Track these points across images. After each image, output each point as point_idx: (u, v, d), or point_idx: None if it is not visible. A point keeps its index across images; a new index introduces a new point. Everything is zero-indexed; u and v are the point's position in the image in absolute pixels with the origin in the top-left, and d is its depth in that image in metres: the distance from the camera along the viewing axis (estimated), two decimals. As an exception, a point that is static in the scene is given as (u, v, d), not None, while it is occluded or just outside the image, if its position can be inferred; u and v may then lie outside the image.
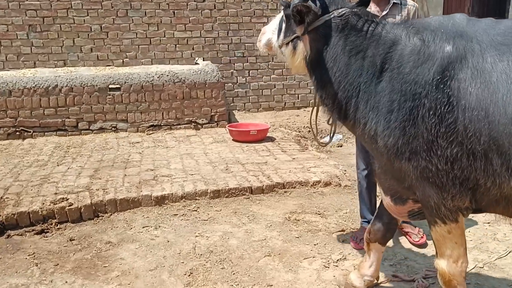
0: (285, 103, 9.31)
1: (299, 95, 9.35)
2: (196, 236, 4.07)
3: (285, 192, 4.90)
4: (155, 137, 7.15)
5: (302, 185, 4.97)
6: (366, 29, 2.48)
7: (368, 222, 3.98)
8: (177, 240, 3.98)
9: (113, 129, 7.35)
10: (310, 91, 9.33)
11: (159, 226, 4.25)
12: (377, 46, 2.41)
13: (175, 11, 8.57)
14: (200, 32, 8.73)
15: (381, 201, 2.95)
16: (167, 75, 7.42)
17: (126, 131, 7.36)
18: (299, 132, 7.64)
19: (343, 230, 4.14)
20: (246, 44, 8.93)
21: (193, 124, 7.59)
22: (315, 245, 3.90)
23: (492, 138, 2.07)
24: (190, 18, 8.65)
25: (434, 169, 2.25)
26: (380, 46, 2.41)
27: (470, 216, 4.33)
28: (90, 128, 7.29)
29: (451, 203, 2.31)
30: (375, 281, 3.21)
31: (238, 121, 8.04)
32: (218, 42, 8.84)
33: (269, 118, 8.81)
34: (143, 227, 4.23)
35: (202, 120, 7.62)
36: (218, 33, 8.81)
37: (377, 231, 3.06)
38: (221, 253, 3.77)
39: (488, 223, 4.20)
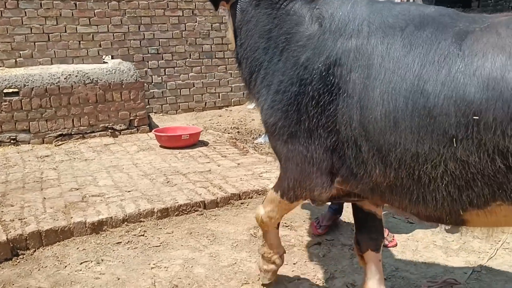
0: (205, 103, 8.67)
1: (220, 94, 8.77)
2: (152, 268, 3.35)
3: (241, 203, 4.33)
4: (66, 148, 6.13)
5: (259, 194, 4.43)
6: (278, 8, 2.45)
7: (334, 210, 3.87)
8: (129, 276, 3.23)
9: (12, 141, 6.18)
10: (231, 89, 8.81)
11: (102, 260, 3.45)
12: (282, 26, 2.41)
13: (77, 3, 7.49)
14: (108, 27, 7.75)
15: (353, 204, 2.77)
16: (76, 76, 6.42)
17: (29, 143, 6.23)
18: (229, 133, 7.08)
19: (319, 244, 3.68)
20: (160, 40, 8.13)
21: (109, 130, 6.67)
22: (294, 264, 3.40)
23: (361, 124, 2.06)
24: (95, 11, 7.63)
25: (309, 156, 2.27)
26: (284, 26, 2.40)
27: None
28: (-17, 141, 6.06)
29: (304, 192, 2.41)
30: None
31: (157, 125, 7.24)
32: (129, 38, 7.92)
33: (190, 119, 8.13)
34: (82, 263, 3.40)
35: (120, 126, 6.73)
36: (128, 28, 7.89)
37: (363, 236, 2.75)
38: (188, 287, 3.11)
39: (460, 219, 4.02)
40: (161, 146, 6.05)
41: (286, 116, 2.28)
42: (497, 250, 3.50)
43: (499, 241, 3.60)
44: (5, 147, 6.10)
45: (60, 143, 6.31)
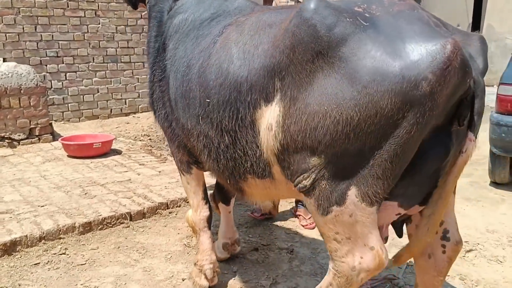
0: (111, 109, 8.19)
1: (127, 100, 8.34)
2: (80, 288, 3.04)
3: (170, 213, 4.12)
4: (-45, 161, 5.40)
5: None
6: (164, 2, 2.84)
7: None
8: (55, 301, 2.89)
9: None
10: (139, 95, 8.44)
11: (19, 285, 3.05)
12: (160, 27, 2.77)
13: (-38, -1, 6.69)
14: (-1, 26, 7.02)
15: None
16: (-35, 80, 5.69)
17: None
18: (141, 140, 6.75)
19: (256, 249, 3.61)
20: (60, 42, 7.53)
21: (6, 141, 6.00)
22: (235, 272, 3.30)
23: (173, 100, 2.44)
24: (-17, 9, 6.87)
25: (161, 124, 2.68)
26: (160, 26, 2.77)
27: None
28: None
29: (177, 155, 2.71)
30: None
31: (60, 134, 6.68)
32: (24, 39, 7.23)
33: (95, 127, 7.63)
34: (-5, 291, 2.98)
35: (19, 135, 6.08)
36: (23, 28, 7.20)
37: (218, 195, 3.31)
38: (125, 306, 2.87)
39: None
40: (69, 156, 5.58)
41: (151, 90, 2.70)
42: (422, 244, 3.70)
43: (423, 235, 3.81)
44: None
45: None
